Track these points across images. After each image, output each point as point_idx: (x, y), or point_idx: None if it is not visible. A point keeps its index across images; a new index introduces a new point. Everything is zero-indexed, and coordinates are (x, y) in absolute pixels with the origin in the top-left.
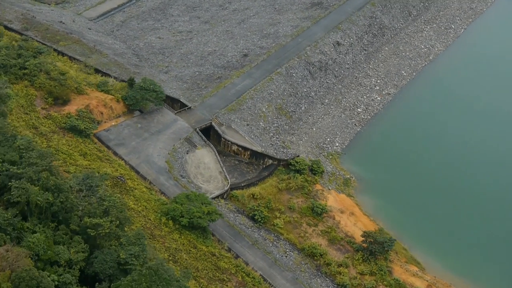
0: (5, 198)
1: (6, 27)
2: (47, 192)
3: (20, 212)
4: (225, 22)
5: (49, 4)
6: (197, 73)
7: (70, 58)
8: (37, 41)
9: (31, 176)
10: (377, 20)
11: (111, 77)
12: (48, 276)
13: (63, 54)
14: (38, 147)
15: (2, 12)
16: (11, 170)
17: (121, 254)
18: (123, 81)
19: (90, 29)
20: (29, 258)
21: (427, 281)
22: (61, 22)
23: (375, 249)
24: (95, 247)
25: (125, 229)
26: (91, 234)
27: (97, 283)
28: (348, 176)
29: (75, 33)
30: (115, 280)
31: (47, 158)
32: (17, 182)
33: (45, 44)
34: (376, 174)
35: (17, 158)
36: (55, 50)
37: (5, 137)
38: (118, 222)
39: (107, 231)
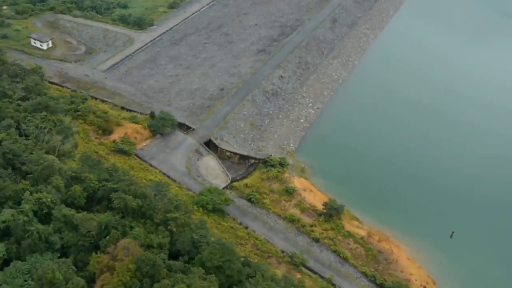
0: (104, 205)
1: (49, 82)
2: (137, 199)
3: (118, 214)
4: (201, 67)
5: (71, 63)
6: (191, 104)
7: (102, 100)
8: (74, 90)
9: (124, 188)
10: (303, 59)
11: (136, 112)
12: None
13: (95, 98)
14: (120, 168)
15: (44, 71)
16: (108, 185)
17: (194, 236)
18: (144, 114)
19: (106, 78)
20: (139, 246)
21: (365, 230)
22: (86, 75)
23: (332, 213)
24: (172, 232)
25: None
26: (172, 224)
27: (180, 257)
28: (302, 166)
29: (98, 82)
30: (191, 254)
31: (128, 175)
32: (116, 194)
33: (81, 92)
34: (320, 162)
35: (108, 176)
36: (89, 95)
37: (93, 162)
38: (188, 214)
39: (182, 221)
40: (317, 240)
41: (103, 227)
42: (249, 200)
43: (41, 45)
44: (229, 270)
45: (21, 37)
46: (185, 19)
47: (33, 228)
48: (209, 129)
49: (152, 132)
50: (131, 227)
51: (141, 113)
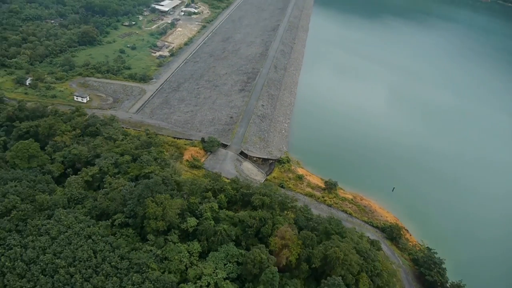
0: (239, 204)
1: None
2: (266, 197)
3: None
4: (205, 104)
5: (106, 110)
6: (215, 129)
7: (157, 134)
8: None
9: (257, 192)
10: (270, 92)
11: (184, 139)
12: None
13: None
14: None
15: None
16: (243, 191)
17: (305, 215)
18: (188, 139)
19: (142, 118)
20: (291, 228)
21: (351, 195)
22: (130, 118)
23: (331, 187)
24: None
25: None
26: (288, 211)
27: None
28: (296, 160)
29: (142, 121)
30: (308, 227)
31: (250, 183)
32: (255, 196)
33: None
34: (304, 156)
35: (236, 185)
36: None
37: (215, 176)
38: (295, 203)
39: (274, 202)
40: (330, 205)
41: (261, 220)
42: (282, 186)
43: (82, 99)
44: (344, 233)
45: (65, 95)
46: (172, 73)
47: (221, 228)
48: (238, 144)
49: (205, 151)
50: (272, 217)
51: (186, 139)
